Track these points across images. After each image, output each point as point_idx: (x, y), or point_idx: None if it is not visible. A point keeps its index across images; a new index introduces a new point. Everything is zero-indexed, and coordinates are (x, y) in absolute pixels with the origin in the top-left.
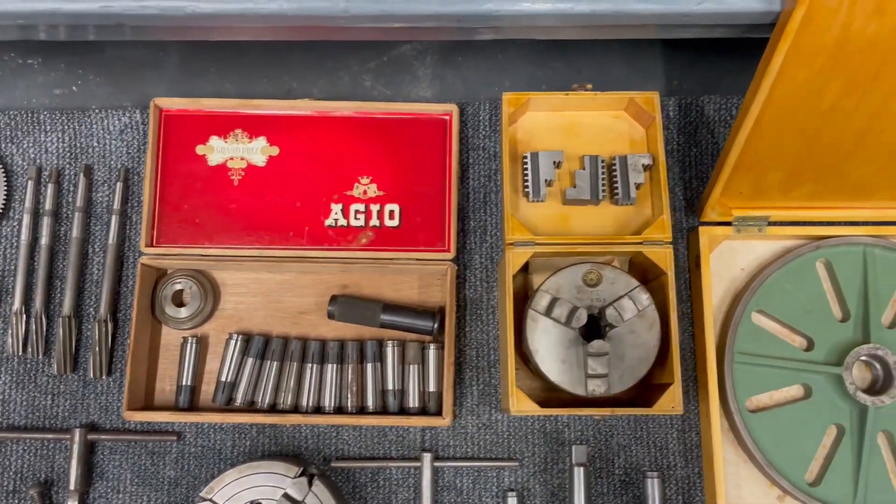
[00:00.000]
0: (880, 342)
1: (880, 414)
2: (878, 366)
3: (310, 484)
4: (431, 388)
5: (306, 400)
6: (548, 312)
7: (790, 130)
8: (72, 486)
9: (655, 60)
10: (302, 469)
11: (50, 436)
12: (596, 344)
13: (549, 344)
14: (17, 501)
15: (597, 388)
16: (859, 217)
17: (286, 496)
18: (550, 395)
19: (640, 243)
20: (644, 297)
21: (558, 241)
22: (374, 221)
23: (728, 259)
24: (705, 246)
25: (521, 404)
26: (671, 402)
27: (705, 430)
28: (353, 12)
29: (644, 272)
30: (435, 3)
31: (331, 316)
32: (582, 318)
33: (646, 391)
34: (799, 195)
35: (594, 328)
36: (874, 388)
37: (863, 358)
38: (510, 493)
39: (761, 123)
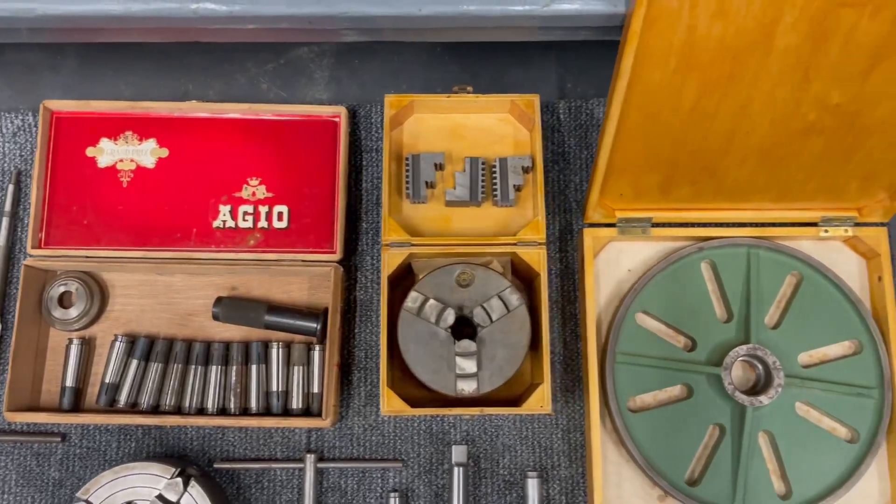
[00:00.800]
0: (763, 342)
1: (760, 414)
2: (759, 366)
3: (185, 485)
4: (316, 389)
5: (189, 401)
6: (419, 312)
7: (657, 132)
8: None
9: (550, 63)
10: (179, 470)
11: None
12: (463, 343)
13: (420, 344)
14: None
15: (466, 387)
16: (742, 218)
17: (160, 497)
18: (435, 395)
19: (515, 244)
20: (514, 298)
21: (434, 243)
22: (263, 223)
23: (615, 260)
24: (588, 247)
25: (392, 404)
26: (540, 401)
27: (588, 430)
28: (202, 14)
29: (528, 273)
30: (284, 5)
31: (216, 317)
32: (449, 318)
33: (528, 391)
34: (678, 196)
35: (467, 328)
36: (756, 389)
37: (745, 358)
38: (392, 494)
39: (626, 125)
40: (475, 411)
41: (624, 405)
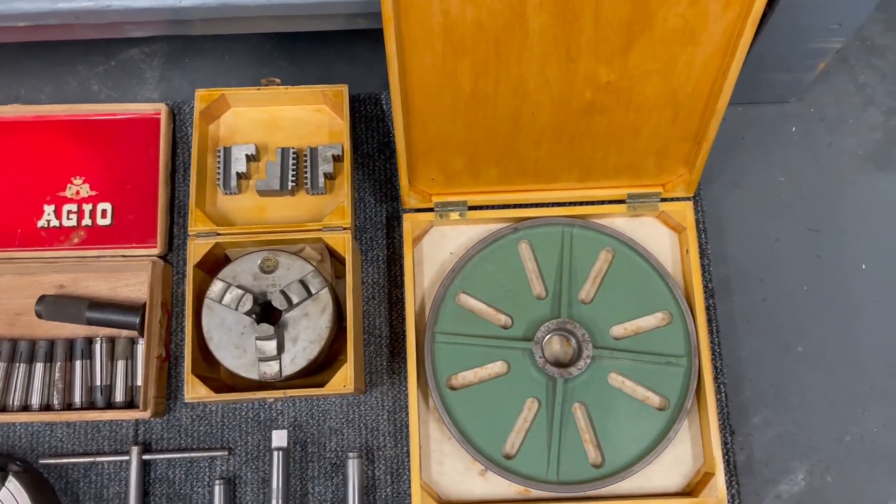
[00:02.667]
0: (576, 317)
1: (573, 386)
2: (573, 340)
3: (3, 480)
4: (139, 382)
5: (13, 399)
6: (220, 299)
7: (445, 115)
8: None
9: (376, 56)
10: None
11: None
12: (261, 328)
13: (223, 331)
14: None
15: (268, 370)
16: (553, 198)
17: None
18: (254, 382)
19: (321, 230)
20: (317, 282)
21: (241, 231)
22: (87, 221)
23: (438, 244)
24: (407, 232)
25: (196, 391)
26: (343, 380)
27: (409, 409)
28: None
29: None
30: (48, 1)
31: (39, 315)
32: (247, 303)
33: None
34: (487, 179)
35: (275, 314)
36: (570, 362)
37: (560, 333)
38: (218, 482)
39: (412, 110)
40: (279, 394)
41: (443, 383)
